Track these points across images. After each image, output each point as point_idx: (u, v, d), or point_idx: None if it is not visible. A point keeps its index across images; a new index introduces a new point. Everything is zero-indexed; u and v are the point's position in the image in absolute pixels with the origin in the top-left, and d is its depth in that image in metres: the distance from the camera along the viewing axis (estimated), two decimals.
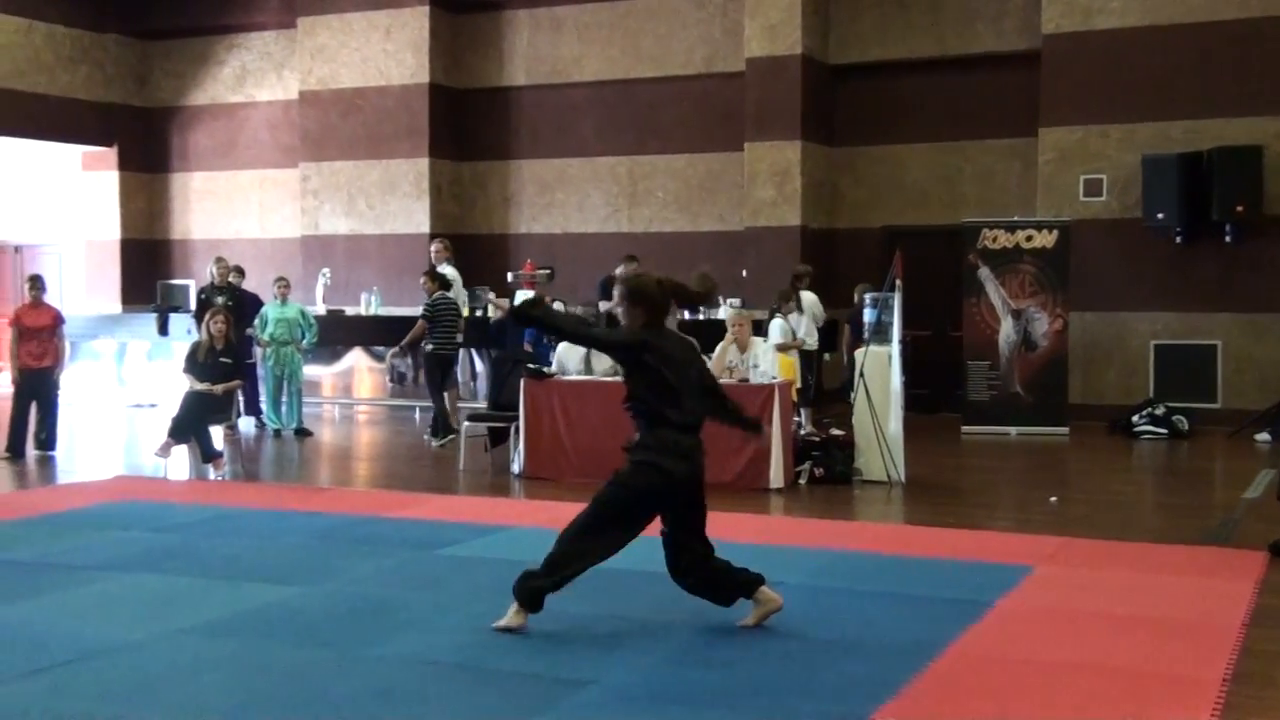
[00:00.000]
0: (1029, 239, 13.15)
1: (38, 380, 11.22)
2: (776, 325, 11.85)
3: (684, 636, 5.45)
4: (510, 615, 5.41)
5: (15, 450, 11.03)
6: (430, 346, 12.50)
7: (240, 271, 13.84)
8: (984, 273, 13.17)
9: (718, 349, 9.98)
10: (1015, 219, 13.54)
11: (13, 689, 4.72)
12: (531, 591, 5.37)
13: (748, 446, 9.33)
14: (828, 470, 9.72)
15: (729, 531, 6.31)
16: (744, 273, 15.28)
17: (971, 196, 15.07)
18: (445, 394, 12.44)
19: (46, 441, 11.28)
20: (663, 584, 6.11)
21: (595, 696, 4.67)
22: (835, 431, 10.42)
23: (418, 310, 16.51)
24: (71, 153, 19.05)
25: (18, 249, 20.06)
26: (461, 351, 14.00)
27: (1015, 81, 14.69)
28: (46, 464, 10.95)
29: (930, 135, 15.30)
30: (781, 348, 11.37)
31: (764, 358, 9.92)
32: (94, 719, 4.43)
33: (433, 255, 14.21)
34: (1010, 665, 5.04)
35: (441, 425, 12.19)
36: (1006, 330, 13.13)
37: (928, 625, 5.57)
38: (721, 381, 9.58)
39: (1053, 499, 9.10)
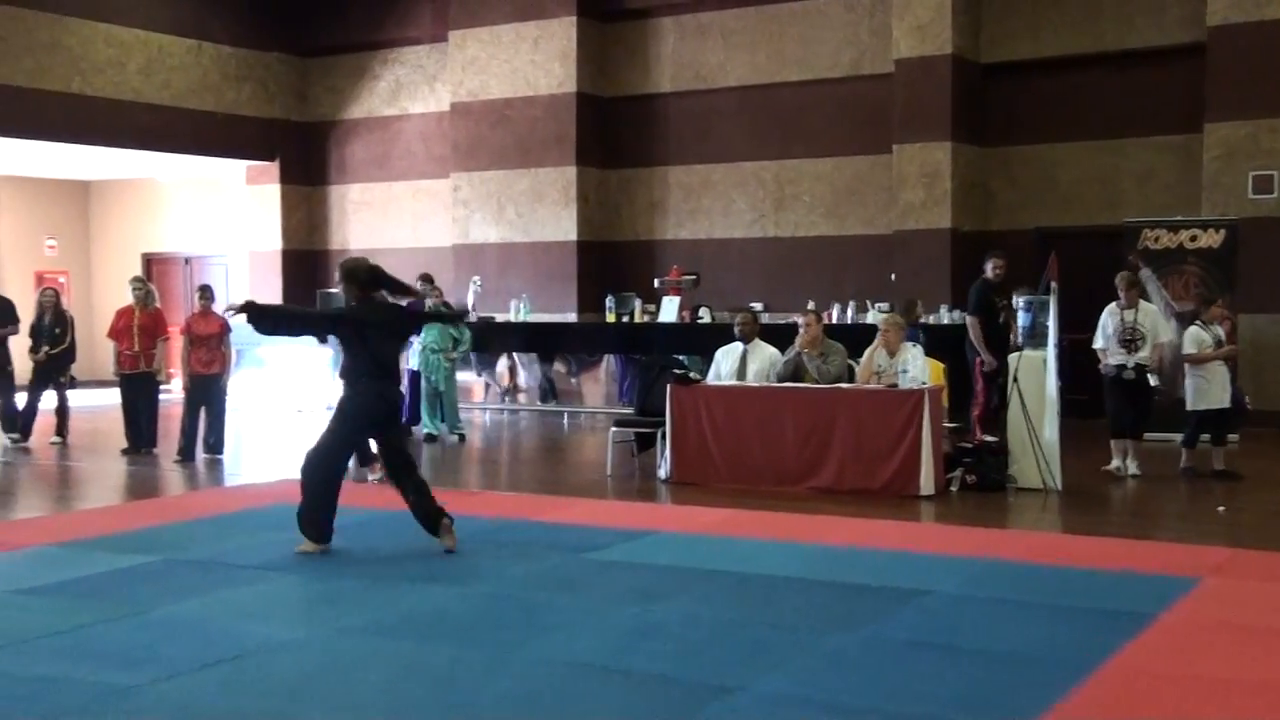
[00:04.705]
0: (1193, 239, 12.69)
1: (207, 386, 11.66)
2: (1191, 333, 10.63)
3: (833, 644, 5.39)
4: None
5: (186, 454, 11.48)
6: None
7: (429, 280, 13.37)
8: (1145, 274, 12.70)
9: (865, 353, 9.86)
10: (1179, 218, 13.08)
11: (183, 683, 4.92)
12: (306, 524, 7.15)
13: (897, 453, 9.23)
14: (981, 477, 9.52)
15: (877, 538, 6.22)
16: (892, 277, 15.07)
17: (1130, 196, 14.61)
18: None
19: (215, 446, 11.70)
20: (813, 590, 6.07)
21: (742, 703, 4.65)
22: (988, 438, 10.19)
23: (567, 317, 16.83)
24: (237, 167, 19.78)
25: (188, 260, 20.93)
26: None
27: (1177, 76, 14.20)
28: (215, 467, 11.37)
29: (1086, 133, 14.88)
30: (1194, 359, 10.47)
31: (914, 363, 9.76)
32: (258, 714, 4.59)
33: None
34: (1174, 682, 4.87)
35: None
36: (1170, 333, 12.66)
37: (1086, 638, 5.40)
38: (869, 386, 9.61)
39: (1221, 508, 8.77)
